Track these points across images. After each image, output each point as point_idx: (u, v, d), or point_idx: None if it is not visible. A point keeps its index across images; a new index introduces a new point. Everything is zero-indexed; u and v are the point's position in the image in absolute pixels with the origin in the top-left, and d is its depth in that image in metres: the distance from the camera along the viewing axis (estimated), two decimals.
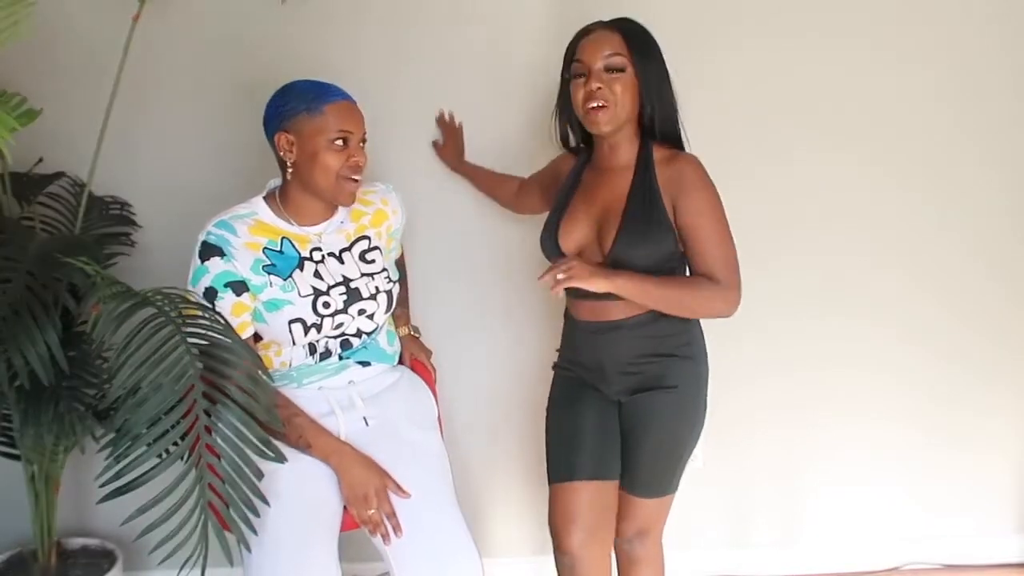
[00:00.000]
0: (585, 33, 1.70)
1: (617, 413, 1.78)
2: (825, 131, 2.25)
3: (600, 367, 1.76)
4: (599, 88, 1.64)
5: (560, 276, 1.57)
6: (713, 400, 2.35)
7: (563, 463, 1.76)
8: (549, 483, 1.79)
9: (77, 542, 2.16)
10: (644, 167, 1.70)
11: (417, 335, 2.04)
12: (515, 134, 2.15)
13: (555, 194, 1.83)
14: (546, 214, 1.83)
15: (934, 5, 2.20)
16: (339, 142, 1.64)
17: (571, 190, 1.79)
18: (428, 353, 2.02)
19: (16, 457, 1.88)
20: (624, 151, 1.73)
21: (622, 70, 1.64)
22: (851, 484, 2.46)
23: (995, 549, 2.52)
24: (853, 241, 2.31)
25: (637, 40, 1.67)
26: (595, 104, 1.64)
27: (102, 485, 1.40)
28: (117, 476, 1.40)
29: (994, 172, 2.31)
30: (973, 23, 2.22)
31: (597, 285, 1.60)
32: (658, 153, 1.71)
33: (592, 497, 1.72)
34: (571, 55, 1.70)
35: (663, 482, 1.81)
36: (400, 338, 1.95)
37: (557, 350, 1.90)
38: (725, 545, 2.47)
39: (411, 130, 2.16)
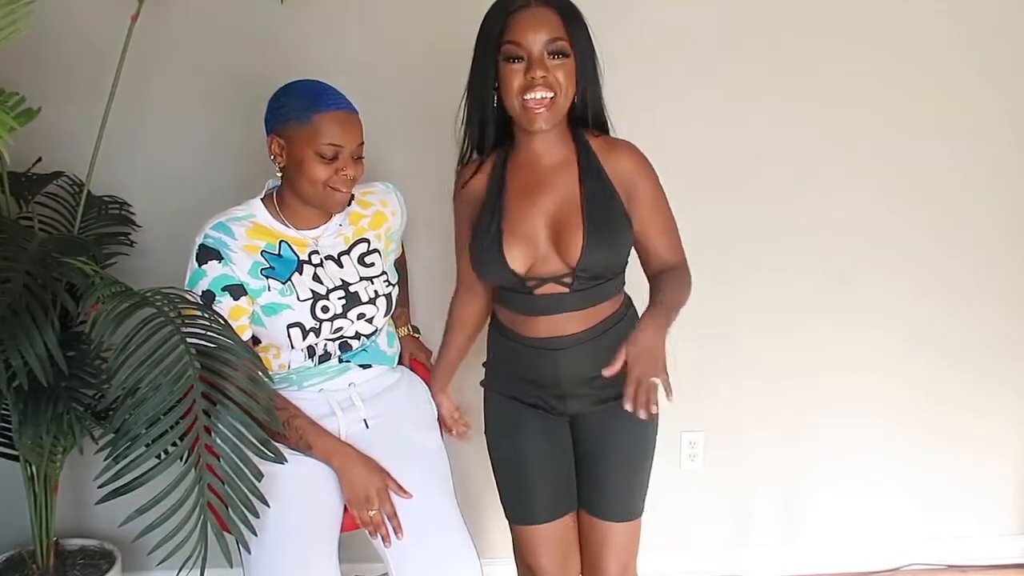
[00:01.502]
0: (516, 8, 1.46)
1: (568, 432, 1.67)
2: (828, 138, 2.25)
3: (557, 385, 1.60)
4: (544, 76, 1.44)
5: (654, 409, 1.33)
6: (714, 400, 2.37)
7: (518, 506, 1.68)
8: (508, 522, 1.73)
9: (76, 543, 2.15)
10: (587, 160, 1.54)
11: (417, 335, 2.03)
12: None
13: (478, 215, 1.58)
14: None
15: (930, 22, 2.21)
16: (326, 155, 1.60)
17: (498, 199, 1.55)
18: (428, 353, 2.01)
19: (15, 458, 1.88)
20: (557, 145, 1.54)
21: (567, 55, 1.45)
22: (852, 484, 2.46)
23: (996, 549, 2.52)
24: (853, 244, 2.32)
25: (573, 18, 1.48)
26: (538, 95, 1.44)
27: (101, 486, 1.39)
28: (116, 477, 1.40)
29: (991, 178, 2.32)
30: (970, 36, 2.23)
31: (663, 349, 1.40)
32: (594, 142, 1.55)
33: (554, 533, 1.66)
34: (498, 34, 1.46)
35: (634, 500, 1.69)
36: (400, 338, 1.94)
37: (484, 365, 1.75)
38: (725, 545, 2.47)
39: (411, 130, 2.16)
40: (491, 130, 1.57)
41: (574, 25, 1.47)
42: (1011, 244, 2.36)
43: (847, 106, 2.23)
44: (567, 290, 1.55)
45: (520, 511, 1.69)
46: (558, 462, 1.67)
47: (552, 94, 1.46)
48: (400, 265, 1.99)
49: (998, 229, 2.35)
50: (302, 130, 1.60)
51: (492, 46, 1.48)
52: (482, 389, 1.77)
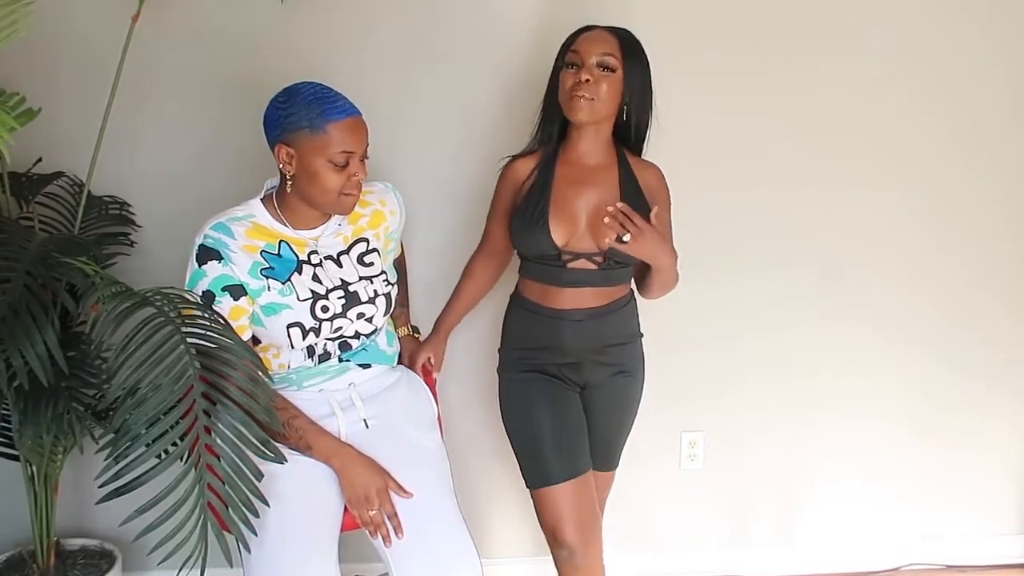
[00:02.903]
0: (586, 29, 1.79)
1: (578, 400, 1.89)
2: (827, 139, 2.25)
3: (578, 355, 1.84)
4: (588, 80, 1.73)
5: (626, 239, 1.68)
6: (713, 400, 2.37)
7: (535, 469, 1.83)
8: (528, 487, 1.85)
9: (76, 543, 2.15)
10: (626, 168, 1.83)
11: (417, 335, 2.03)
12: (512, 136, 2.15)
13: (527, 194, 1.84)
14: None
15: (931, 14, 2.21)
16: (339, 163, 1.61)
17: (547, 185, 1.82)
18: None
19: (15, 457, 1.88)
20: (600, 151, 1.83)
21: (613, 70, 1.74)
22: (851, 484, 2.46)
23: (995, 549, 2.52)
24: (852, 244, 2.32)
25: (631, 48, 1.77)
26: (581, 93, 1.73)
27: (101, 486, 1.39)
28: (116, 476, 1.40)
29: (991, 177, 2.33)
30: (969, 31, 2.23)
31: (659, 259, 1.76)
32: (630, 157, 1.85)
33: (574, 493, 1.80)
34: (567, 46, 1.79)
35: (618, 455, 2.01)
36: (400, 339, 1.95)
37: (501, 349, 1.94)
38: (725, 545, 2.47)
39: (410, 130, 2.16)
40: (556, 127, 1.86)
41: (630, 53, 1.76)
42: (1012, 244, 2.36)
43: (847, 105, 2.24)
44: (595, 267, 1.80)
45: (538, 474, 1.83)
46: (571, 426, 1.85)
47: (592, 97, 1.73)
48: (399, 265, 1.99)
49: (999, 229, 2.35)
50: (314, 140, 1.60)
51: (561, 58, 1.80)
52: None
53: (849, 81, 2.22)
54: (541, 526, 1.84)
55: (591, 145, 1.82)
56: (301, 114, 1.60)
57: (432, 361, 1.99)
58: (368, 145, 1.67)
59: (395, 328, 1.95)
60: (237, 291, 1.64)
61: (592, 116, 1.75)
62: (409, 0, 2.10)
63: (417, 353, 1.97)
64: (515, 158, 1.89)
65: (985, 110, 2.28)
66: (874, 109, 2.24)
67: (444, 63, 2.14)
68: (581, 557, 1.80)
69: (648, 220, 1.73)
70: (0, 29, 1.49)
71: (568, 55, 1.77)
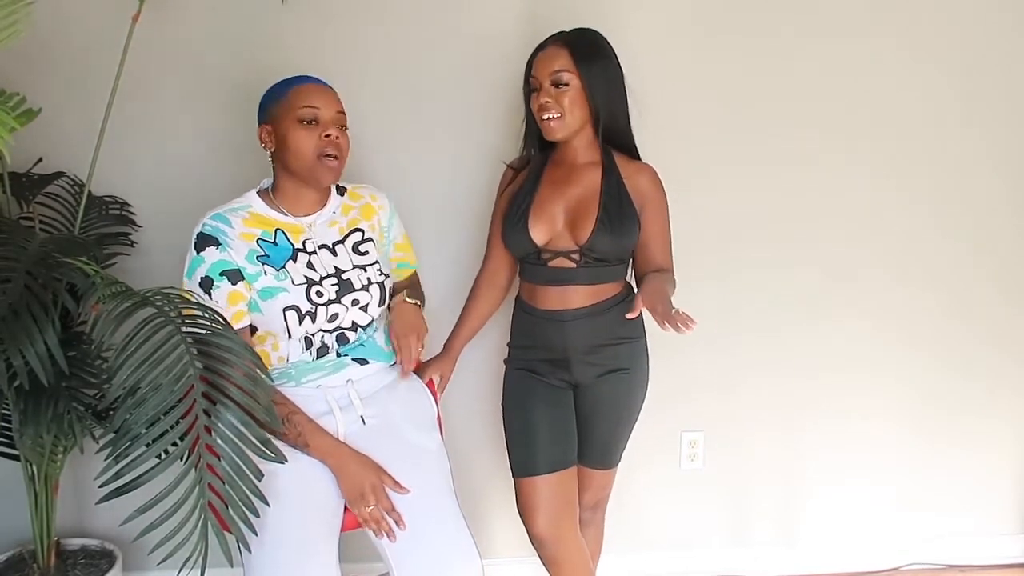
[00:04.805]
0: (540, 48, 1.83)
1: (571, 399, 1.92)
2: (826, 134, 2.25)
3: (565, 354, 1.87)
4: (547, 101, 1.79)
5: (693, 324, 1.55)
6: (713, 400, 2.37)
7: (522, 460, 1.89)
8: (513, 476, 1.91)
9: (76, 542, 2.16)
10: (610, 168, 1.85)
11: (418, 304, 1.91)
12: (507, 136, 2.15)
13: (514, 196, 1.90)
14: None
15: (939, 4, 2.21)
16: (307, 120, 1.67)
17: (534, 186, 1.88)
18: (424, 330, 1.89)
19: (15, 457, 1.88)
20: (586, 152, 1.87)
21: (567, 84, 1.78)
22: (851, 484, 2.46)
23: (996, 549, 2.52)
24: (853, 243, 2.32)
25: (585, 53, 1.79)
26: (546, 116, 1.80)
27: (101, 485, 1.40)
28: (116, 476, 1.40)
29: (995, 175, 2.32)
30: (978, 23, 2.23)
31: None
32: (619, 159, 1.86)
33: (552, 487, 1.86)
34: (528, 70, 1.84)
35: (616, 454, 2.00)
36: (392, 306, 1.86)
37: (508, 344, 1.99)
38: (725, 545, 2.47)
39: (409, 130, 2.16)
40: (537, 142, 1.91)
41: (583, 60, 1.78)
42: (1013, 243, 2.36)
43: (847, 107, 2.23)
44: (575, 265, 1.83)
45: (524, 464, 1.89)
46: (561, 424, 1.90)
47: (558, 114, 1.79)
48: (414, 284, 1.98)
49: (1000, 228, 2.35)
50: (280, 105, 1.69)
51: (526, 83, 1.86)
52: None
53: (849, 81, 2.22)
54: (519, 514, 1.90)
55: (575, 149, 1.87)
56: (273, 91, 1.72)
57: (439, 380, 2.00)
58: (342, 113, 1.72)
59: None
60: (235, 275, 1.66)
61: (567, 131, 1.81)
62: (410, 2, 2.10)
63: (424, 371, 1.98)
64: (512, 168, 1.95)
65: (988, 110, 2.28)
66: (876, 106, 2.24)
67: (447, 63, 2.14)
68: (552, 549, 1.86)
69: (626, 218, 1.80)
70: (0, 29, 1.49)
71: (530, 80, 1.83)
